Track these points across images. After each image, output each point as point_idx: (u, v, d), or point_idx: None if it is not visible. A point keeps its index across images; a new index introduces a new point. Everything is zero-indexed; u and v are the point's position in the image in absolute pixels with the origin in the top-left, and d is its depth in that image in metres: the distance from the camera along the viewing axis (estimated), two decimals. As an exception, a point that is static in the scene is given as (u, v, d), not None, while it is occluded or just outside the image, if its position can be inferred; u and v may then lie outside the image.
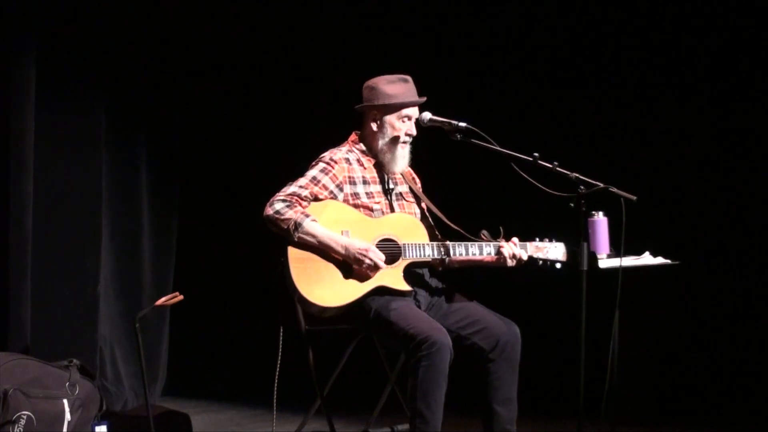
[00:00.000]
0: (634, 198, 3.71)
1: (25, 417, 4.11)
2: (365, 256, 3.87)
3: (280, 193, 3.93)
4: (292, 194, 3.91)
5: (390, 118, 4.06)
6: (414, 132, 4.08)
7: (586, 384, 3.68)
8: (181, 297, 4.08)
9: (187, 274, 6.11)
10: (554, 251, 4.05)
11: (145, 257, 5.84)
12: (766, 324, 5.29)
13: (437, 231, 4.15)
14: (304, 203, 3.92)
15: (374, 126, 4.08)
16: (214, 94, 6.28)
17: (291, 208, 3.87)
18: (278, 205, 3.88)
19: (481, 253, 4.00)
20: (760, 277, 5.33)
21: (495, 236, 4.02)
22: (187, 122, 6.14)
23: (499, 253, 3.99)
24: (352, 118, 5.97)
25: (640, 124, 5.60)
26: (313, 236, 3.86)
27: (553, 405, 5.07)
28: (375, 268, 3.88)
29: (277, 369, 4.09)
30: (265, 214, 3.90)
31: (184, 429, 4.71)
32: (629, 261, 4.26)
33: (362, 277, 3.91)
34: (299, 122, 6.22)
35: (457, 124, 3.94)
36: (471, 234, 4.03)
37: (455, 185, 5.68)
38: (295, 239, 3.86)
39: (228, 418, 5.52)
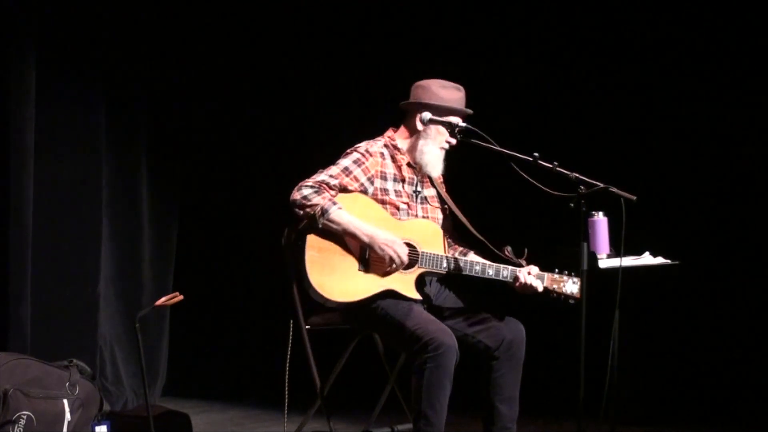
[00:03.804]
0: (634, 198, 3.70)
1: (25, 417, 4.11)
2: (390, 247, 3.82)
3: (309, 180, 3.87)
4: (321, 182, 3.86)
5: (437, 126, 3.99)
6: (453, 142, 4.02)
7: (586, 384, 3.68)
8: (181, 297, 4.07)
9: (187, 274, 6.11)
10: (571, 286, 3.94)
11: (145, 257, 5.83)
12: (766, 324, 5.29)
13: (458, 238, 4.11)
14: (332, 192, 3.87)
15: (418, 125, 4.01)
16: (215, 95, 6.28)
17: (319, 194, 3.82)
18: (306, 191, 3.83)
19: (497, 276, 3.94)
20: (760, 277, 5.33)
21: (518, 255, 3.97)
22: (188, 122, 6.13)
23: (515, 280, 3.93)
24: (351, 120, 5.99)
25: (640, 124, 5.60)
26: (339, 223, 3.82)
27: (553, 405, 5.07)
28: (396, 263, 3.84)
29: (287, 363, 4.07)
30: (291, 198, 3.84)
31: (184, 429, 4.71)
32: (629, 261, 4.26)
33: (378, 273, 3.87)
34: (300, 123, 6.23)
35: (457, 124, 3.94)
36: (495, 247, 3.97)
37: (454, 186, 5.68)
38: (320, 225, 3.82)
39: (228, 418, 5.52)
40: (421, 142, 4.02)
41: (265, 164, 6.26)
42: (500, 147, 3.90)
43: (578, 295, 3.85)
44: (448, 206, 4.13)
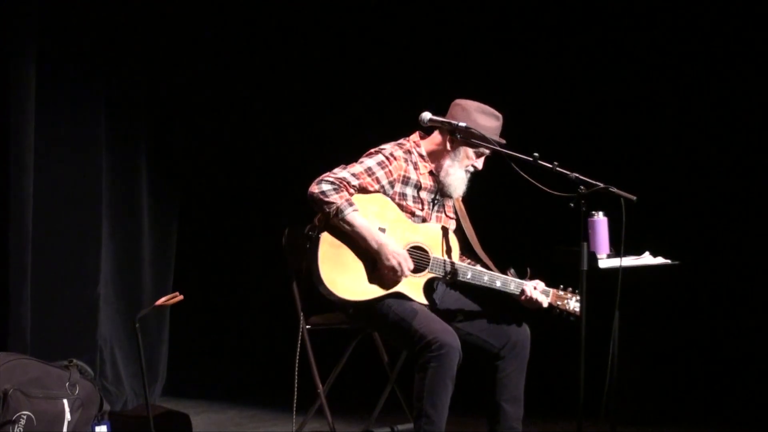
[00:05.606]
0: (634, 198, 3.71)
1: (25, 417, 4.11)
2: (396, 260, 3.82)
3: (330, 174, 3.84)
4: (342, 179, 3.83)
5: (467, 147, 3.97)
6: (480, 168, 4.01)
7: (586, 384, 3.68)
8: (181, 297, 4.07)
9: (187, 274, 6.10)
10: (573, 304, 3.99)
11: (145, 257, 5.83)
12: (766, 324, 5.29)
13: (465, 251, 4.10)
14: (351, 191, 3.84)
15: (448, 144, 3.98)
16: (215, 95, 6.27)
17: (337, 192, 3.80)
18: (325, 186, 3.80)
19: (504, 288, 3.97)
20: (760, 277, 5.33)
21: (521, 276, 3.99)
22: (188, 122, 6.13)
23: (521, 293, 3.97)
24: (351, 123, 5.98)
25: (640, 124, 5.60)
26: (351, 226, 3.80)
27: (553, 405, 5.07)
28: (400, 275, 3.85)
29: (296, 363, 4.06)
30: (309, 190, 3.82)
31: (184, 429, 4.71)
32: (629, 261, 4.26)
33: (384, 282, 3.87)
34: (300, 124, 6.22)
35: (457, 124, 3.93)
36: (498, 268, 3.99)
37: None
38: (332, 223, 3.82)
39: (228, 418, 5.52)
40: (447, 162, 3.99)
41: (265, 164, 6.26)
42: (500, 147, 3.90)
43: (579, 314, 3.86)
44: (460, 221, 4.11)
